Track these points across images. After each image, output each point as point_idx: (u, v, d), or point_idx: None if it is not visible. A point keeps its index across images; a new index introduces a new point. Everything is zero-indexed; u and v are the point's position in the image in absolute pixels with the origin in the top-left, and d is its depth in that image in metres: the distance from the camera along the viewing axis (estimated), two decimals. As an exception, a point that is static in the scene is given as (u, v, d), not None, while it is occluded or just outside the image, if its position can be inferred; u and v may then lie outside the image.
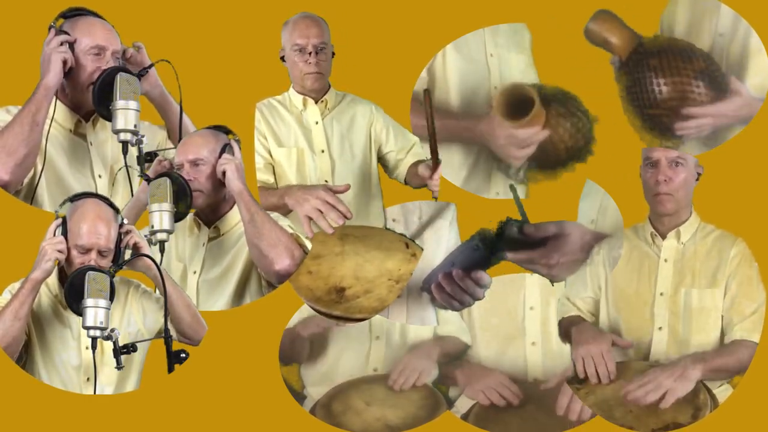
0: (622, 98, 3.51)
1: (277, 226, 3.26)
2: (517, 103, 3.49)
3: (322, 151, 3.60)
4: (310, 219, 3.41)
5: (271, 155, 3.58)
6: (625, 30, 3.50)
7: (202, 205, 3.35)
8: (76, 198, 3.19)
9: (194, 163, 3.32)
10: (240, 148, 3.34)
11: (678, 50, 3.47)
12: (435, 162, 3.40)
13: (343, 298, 3.35)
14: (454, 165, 3.60)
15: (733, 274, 3.40)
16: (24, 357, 3.16)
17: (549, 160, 3.54)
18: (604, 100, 3.53)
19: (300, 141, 3.60)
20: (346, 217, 3.38)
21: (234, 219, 3.36)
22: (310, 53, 3.55)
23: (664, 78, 3.44)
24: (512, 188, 3.33)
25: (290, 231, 3.30)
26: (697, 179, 3.44)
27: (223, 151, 3.31)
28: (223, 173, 3.28)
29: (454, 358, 3.49)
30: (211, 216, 3.40)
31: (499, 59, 3.63)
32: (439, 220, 3.54)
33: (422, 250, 3.45)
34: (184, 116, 3.48)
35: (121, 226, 3.17)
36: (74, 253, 3.12)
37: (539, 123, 3.48)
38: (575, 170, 3.55)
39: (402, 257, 3.43)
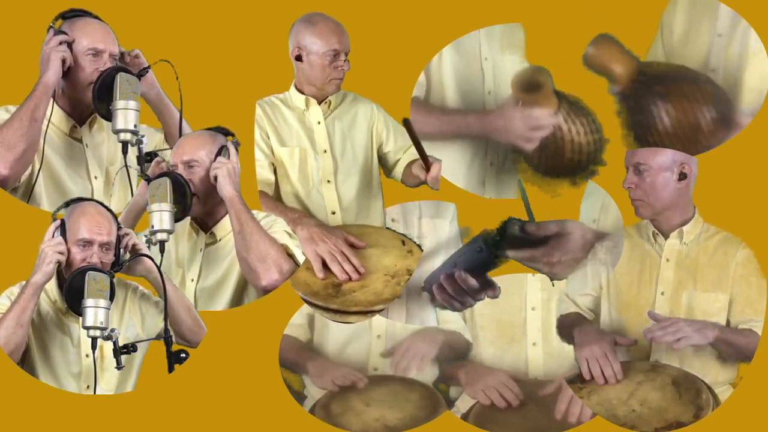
0: (626, 129, 3.51)
1: (267, 238, 3.22)
2: (530, 84, 3.48)
3: (325, 151, 3.60)
4: (323, 260, 3.40)
5: (272, 153, 3.57)
6: (626, 57, 3.49)
7: (197, 210, 3.32)
8: (72, 202, 3.17)
9: (188, 165, 3.29)
10: (237, 151, 3.32)
11: (684, 78, 3.48)
12: (427, 165, 3.41)
13: (339, 292, 3.34)
14: (448, 170, 3.60)
15: (739, 281, 3.40)
16: (21, 365, 3.13)
17: (554, 161, 3.53)
18: (603, 97, 3.54)
19: (302, 140, 3.60)
20: (359, 273, 3.37)
21: (230, 224, 3.31)
22: (344, 60, 3.55)
23: (669, 108, 3.45)
24: (520, 184, 3.34)
25: (283, 241, 3.27)
26: (681, 179, 3.41)
27: (219, 153, 3.29)
28: (215, 178, 3.26)
29: (457, 353, 3.49)
30: (208, 221, 3.36)
31: (493, 62, 3.63)
32: (438, 220, 3.54)
33: (420, 247, 3.45)
34: (183, 121, 3.49)
35: (119, 229, 3.16)
36: (75, 250, 3.09)
37: (552, 105, 3.47)
38: (577, 184, 3.55)
39: (398, 253, 3.44)
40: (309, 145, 3.59)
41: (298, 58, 3.58)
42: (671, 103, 3.47)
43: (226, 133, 3.35)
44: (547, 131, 3.49)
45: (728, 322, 3.39)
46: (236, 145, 3.33)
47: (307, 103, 3.60)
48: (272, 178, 3.57)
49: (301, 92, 3.61)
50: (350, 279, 3.35)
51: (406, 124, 3.31)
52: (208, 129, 3.36)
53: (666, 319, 3.35)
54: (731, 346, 3.35)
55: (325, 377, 3.42)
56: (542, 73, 3.49)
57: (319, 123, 3.60)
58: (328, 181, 3.58)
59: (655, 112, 3.47)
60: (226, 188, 3.24)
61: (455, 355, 3.49)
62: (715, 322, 3.36)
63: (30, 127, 3.27)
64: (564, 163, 3.52)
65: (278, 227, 3.31)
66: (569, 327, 3.45)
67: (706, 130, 3.47)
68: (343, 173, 3.60)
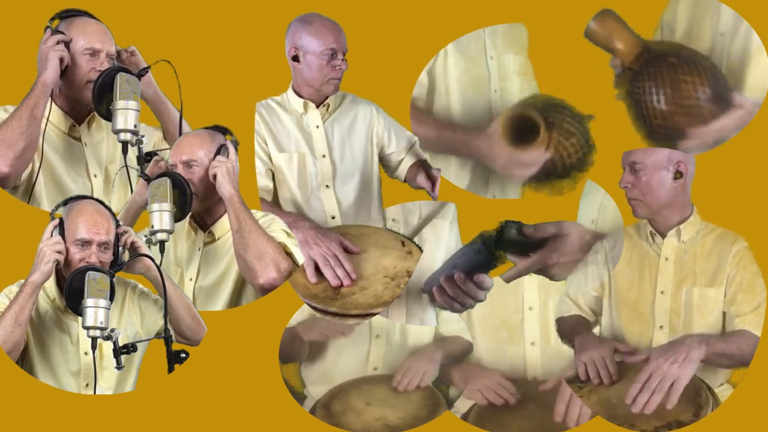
0: (627, 104, 3.50)
1: (265, 236, 3.21)
2: (522, 129, 3.48)
3: (323, 156, 3.59)
4: (316, 263, 3.39)
5: (270, 160, 3.57)
6: (629, 35, 3.49)
7: (196, 209, 3.31)
8: (71, 200, 3.17)
9: (187, 164, 3.28)
10: (237, 150, 3.31)
11: (683, 59, 3.47)
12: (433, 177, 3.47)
13: (338, 294, 3.35)
14: (452, 169, 3.60)
15: (733, 273, 3.40)
16: (20, 363, 3.13)
17: (549, 176, 3.54)
18: (604, 97, 3.54)
19: (301, 145, 3.58)
20: (350, 278, 3.37)
21: (229, 223, 3.29)
22: (341, 59, 3.53)
23: (665, 90, 3.44)
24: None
25: (281, 239, 3.26)
26: (677, 177, 3.41)
27: (218, 152, 3.28)
28: (214, 176, 3.25)
29: (457, 357, 3.49)
30: (207, 219, 3.36)
31: (498, 61, 3.62)
32: (438, 220, 3.54)
33: (420, 248, 3.45)
34: (183, 121, 3.48)
35: (117, 227, 3.15)
36: (73, 249, 3.08)
37: (544, 144, 3.48)
38: (576, 180, 3.54)
39: (398, 255, 3.44)
40: (307, 150, 3.58)
41: (295, 59, 3.56)
42: (668, 86, 3.45)
43: (225, 131, 3.34)
44: (536, 168, 3.49)
45: (724, 315, 3.40)
46: (235, 144, 3.33)
47: (306, 107, 3.59)
48: (270, 185, 3.56)
49: (299, 95, 3.60)
50: (342, 284, 3.35)
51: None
52: (207, 128, 3.35)
53: (642, 371, 3.29)
54: (722, 357, 3.33)
55: (313, 330, 3.44)
56: (532, 113, 3.48)
57: (317, 127, 3.59)
58: (327, 186, 3.57)
59: (651, 91, 3.46)
60: (225, 187, 3.23)
61: (456, 359, 3.49)
62: (700, 336, 3.34)
63: (29, 125, 3.28)
64: (557, 170, 3.53)
65: (276, 226, 3.30)
66: (570, 331, 3.46)
67: (701, 110, 3.46)
68: (341, 177, 3.59)
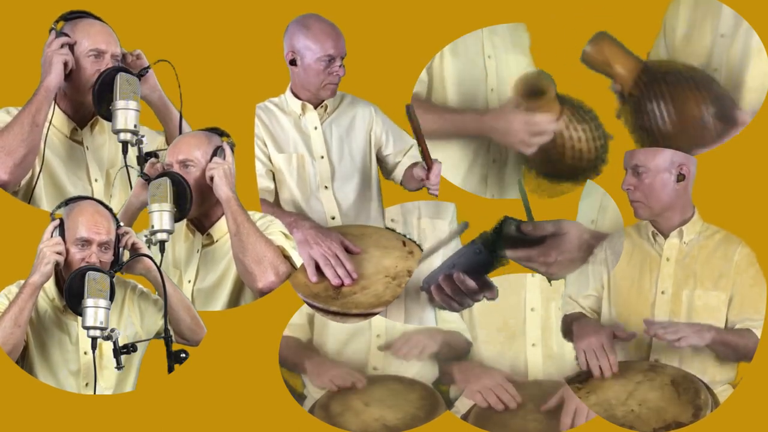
0: (632, 130, 3.51)
1: (263, 240, 3.21)
2: (534, 90, 3.48)
3: (322, 157, 3.58)
4: (316, 263, 3.39)
5: (270, 161, 3.57)
6: (627, 58, 3.49)
7: (193, 214, 3.30)
8: (71, 201, 3.16)
9: (183, 164, 3.27)
10: (233, 152, 3.31)
11: (681, 76, 3.47)
12: (429, 164, 3.40)
13: (339, 294, 3.34)
14: (450, 167, 3.59)
15: (739, 280, 3.39)
16: (20, 363, 3.13)
17: (555, 166, 3.53)
18: (604, 98, 3.54)
19: (299, 146, 3.58)
20: (351, 278, 3.36)
21: (226, 226, 3.29)
22: (339, 65, 3.52)
23: (668, 110, 3.45)
24: (520, 184, 3.34)
25: (279, 242, 3.26)
26: (680, 179, 3.41)
27: (214, 154, 3.28)
28: (211, 178, 3.25)
29: (456, 353, 3.48)
30: (204, 222, 3.35)
31: (497, 61, 3.62)
32: (438, 220, 3.54)
33: (420, 248, 3.45)
34: (183, 121, 3.48)
35: (118, 227, 3.15)
36: (74, 250, 3.08)
37: (554, 112, 3.47)
38: (579, 184, 3.55)
39: (399, 255, 3.44)
40: (306, 150, 3.58)
41: (293, 63, 3.55)
42: (671, 106, 3.46)
43: (222, 133, 3.34)
44: (547, 137, 3.49)
45: (727, 320, 3.39)
46: (231, 146, 3.33)
47: (304, 109, 3.59)
48: (272, 185, 3.56)
49: (297, 96, 3.59)
50: (343, 284, 3.34)
51: (409, 111, 3.30)
52: (204, 130, 3.35)
53: (666, 322, 3.36)
54: (728, 347, 3.35)
55: (324, 377, 3.42)
56: (546, 79, 3.49)
57: (315, 128, 3.59)
58: (326, 187, 3.57)
59: (655, 114, 3.47)
60: (222, 189, 3.23)
61: (455, 355, 3.48)
62: (711, 325, 3.36)
63: (31, 131, 3.27)
64: (565, 167, 3.53)
65: (274, 228, 3.30)
66: (570, 322, 3.46)
67: (707, 130, 3.47)
68: (340, 178, 3.58)
